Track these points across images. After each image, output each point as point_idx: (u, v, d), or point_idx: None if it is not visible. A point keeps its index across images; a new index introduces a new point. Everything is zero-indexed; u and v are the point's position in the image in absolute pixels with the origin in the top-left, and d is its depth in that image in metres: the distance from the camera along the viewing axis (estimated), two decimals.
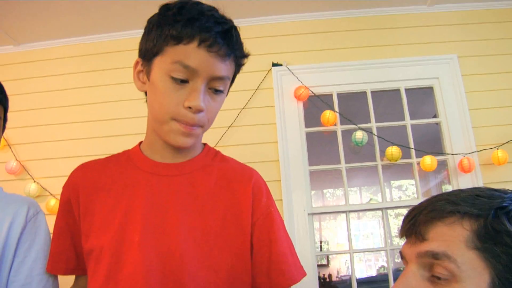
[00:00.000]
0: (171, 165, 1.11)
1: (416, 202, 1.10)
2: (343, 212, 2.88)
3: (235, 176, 1.14)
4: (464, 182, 2.78)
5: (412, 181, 8.53)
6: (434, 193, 3.41)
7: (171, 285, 1.00)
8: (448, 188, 4.84)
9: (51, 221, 1.19)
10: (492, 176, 2.77)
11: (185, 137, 1.04)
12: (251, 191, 1.12)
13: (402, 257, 0.75)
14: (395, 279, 2.71)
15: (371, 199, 8.37)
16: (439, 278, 0.66)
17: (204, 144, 1.21)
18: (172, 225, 1.04)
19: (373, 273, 8.30)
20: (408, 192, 8.82)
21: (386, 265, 9.02)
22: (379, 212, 9.09)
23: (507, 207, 0.67)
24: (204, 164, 1.15)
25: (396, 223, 8.85)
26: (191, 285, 1.01)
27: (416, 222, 0.71)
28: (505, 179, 2.77)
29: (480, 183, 2.75)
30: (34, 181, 2.83)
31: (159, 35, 1.01)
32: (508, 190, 0.72)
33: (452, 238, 0.66)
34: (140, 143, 1.18)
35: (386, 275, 4.39)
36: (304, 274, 1.14)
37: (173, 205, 1.06)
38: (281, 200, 2.67)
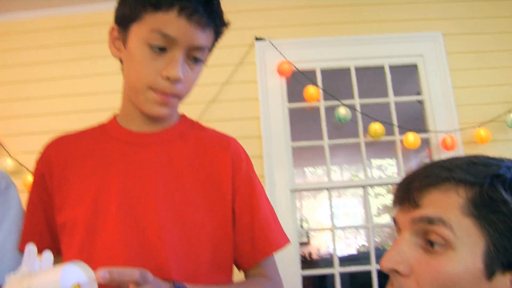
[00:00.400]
0: (147, 134, 1.08)
1: (398, 180, 1.08)
2: (325, 188, 2.87)
3: (213, 144, 1.12)
4: None
5: (392, 161, 8.58)
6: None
7: (149, 258, 0.97)
8: None
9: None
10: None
11: (161, 107, 1.01)
12: (231, 159, 1.10)
13: (395, 224, 0.74)
14: (377, 257, 2.72)
15: (353, 176, 8.41)
16: (432, 246, 0.65)
17: (181, 114, 1.18)
18: (150, 196, 1.01)
19: (353, 251, 8.38)
20: (388, 173, 8.88)
21: (366, 243, 9.14)
22: (360, 191, 9.20)
23: (503, 175, 0.65)
24: (181, 132, 1.12)
25: (376, 203, 8.94)
26: (172, 257, 0.98)
27: (410, 189, 0.70)
28: None
29: None
30: (11, 157, 2.77)
31: (137, 0, 0.96)
32: (505, 158, 0.71)
33: (447, 205, 0.65)
34: (116, 115, 1.15)
35: (367, 253, 4.43)
36: (288, 241, 1.13)
37: (150, 176, 1.03)
38: (263, 176, 2.64)
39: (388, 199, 9.32)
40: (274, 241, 1.10)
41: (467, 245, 0.63)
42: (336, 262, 2.73)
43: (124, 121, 1.11)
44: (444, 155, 2.76)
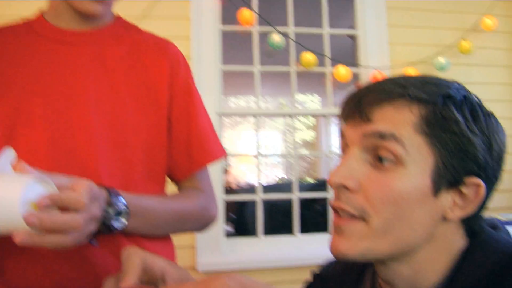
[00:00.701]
0: (78, 33, 0.98)
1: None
2: (252, 115, 2.83)
3: (150, 48, 1.03)
4: None
5: (314, 98, 8.72)
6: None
7: (78, 163, 0.90)
8: None
9: None
10: None
11: (95, 3, 0.93)
12: (168, 64, 1.02)
13: (342, 138, 0.71)
14: (287, 188, 2.78)
15: (281, 105, 8.44)
16: (382, 162, 0.64)
17: (117, 15, 1.08)
18: (80, 98, 0.93)
19: (273, 182, 8.59)
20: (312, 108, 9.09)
21: (285, 176, 9.40)
22: (281, 126, 9.37)
23: (454, 97, 0.66)
24: (116, 34, 1.02)
25: (300, 136, 9.14)
26: (102, 164, 0.91)
27: (362, 103, 0.67)
28: None
29: None
30: None
31: None
32: (454, 80, 0.70)
33: (400, 121, 0.64)
34: (43, 12, 1.03)
35: (287, 184, 4.53)
36: (225, 153, 1.09)
37: (81, 77, 0.94)
38: None
39: (308, 134, 9.57)
40: (211, 151, 1.05)
41: (417, 163, 0.63)
42: (260, 189, 2.75)
43: (52, 18, 1.00)
44: None
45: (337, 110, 3.81)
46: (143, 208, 0.88)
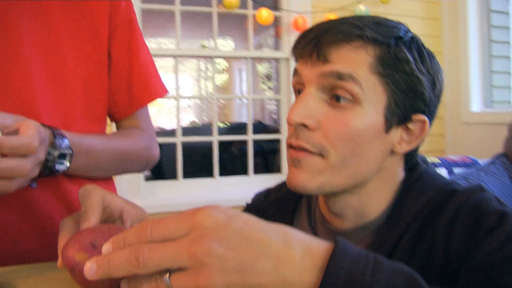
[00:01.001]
0: None
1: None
2: (172, 56, 2.75)
3: None
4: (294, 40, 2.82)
5: (226, 42, 8.63)
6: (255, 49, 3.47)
7: (16, 100, 0.83)
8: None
9: None
10: None
11: None
12: None
13: (297, 77, 0.72)
14: (206, 131, 2.78)
15: (203, 47, 8.25)
16: (338, 101, 0.67)
17: None
18: (14, 36, 0.84)
19: (185, 125, 8.53)
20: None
21: (196, 119, 9.35)
22: (196, 66, 9.21)
23: (404, 38, 0.69)
24: None
25: (218, 79, 9.02)
26: (41, 101, 0.85)
27: (320, 43, 0.68)
28: None
29: None
30: None
31: None
32: (399, 22, 0.73)
33: (357, 62, 0.66)
34: None
35: (206, 127, 4.51)
36: (167, 91, 1.05)
37: (15, 14, 0.85)
38: None
39: (220, 78, 9.50)
40: (154, 89, 1.01)
41: (372, 101, 0.66)
42: (179, 132, 2.71)
43: None
44: (294, 34, 2.81)
45: (256, 53, 3.77)
46: (86, 148, 0.84)
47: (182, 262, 0.42)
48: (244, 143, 4.29)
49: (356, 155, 0.67)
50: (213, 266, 0.41)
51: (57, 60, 0.88)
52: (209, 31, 2.85)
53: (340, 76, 0.66)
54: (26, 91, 0.84)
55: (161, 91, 1.03)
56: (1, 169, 0.61)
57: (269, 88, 7.84)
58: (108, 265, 0.43)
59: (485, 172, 1.92)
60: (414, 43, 0.70)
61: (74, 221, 0.66)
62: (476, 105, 2.99)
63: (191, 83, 9.78)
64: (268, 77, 7.88)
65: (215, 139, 2.79)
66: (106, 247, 0.45)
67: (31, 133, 0.64)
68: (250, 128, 2.91)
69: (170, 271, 0.43)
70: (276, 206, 0.87)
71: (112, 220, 0.70)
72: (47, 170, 0.75)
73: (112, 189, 1.01)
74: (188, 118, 9.82)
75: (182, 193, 2.68)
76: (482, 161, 2.12)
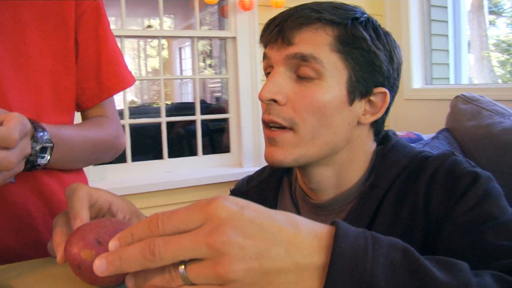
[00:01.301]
0: None
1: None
2: (118, 36, 2.68)
3: None
4: (241, 20, 2.82)
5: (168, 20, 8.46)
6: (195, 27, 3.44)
7: None
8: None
9: None
10: (267, 18, 2.85)
11: None
12: None
13: (266, 60, 0.79)
14: (149, 111, 2.74)
15: (148, 26, 7.99)
16: (304, 78, 0.74)
17: None
18: None
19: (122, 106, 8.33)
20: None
21: (135, 99, 9.15)
22: (133, 45, 8.97)
23: (360, 18, 0.76)
24: None
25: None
26: (10, 90, 0.81)
27: (283, 28, 0.75)
28: None
29: (256, 23, 2.84)
30: None
31: None
32: (356, 6, 0.80)
33: (318, 43, 0.73)
34: None
35: (151, 108, 4.44)
36: (134, 80, 1.03)
37: None
38: None
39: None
40: (123, 77, 0.99)
41: (334, 77, 0.73)
42: (127, 113, 2.67)
43: None
44: (239, 14, 2.80)
45: (204, 32, 3.72)
46: (63, 140, 0.80)
47: (200, 252, 0.42)
48: (188, 123, 4.28)
49: (324, 125, 0.74)
50: (232, 254, 0.42)
51: (23, 49, 0.84)
52: (149, 10, 2.79)
53: (303, 58, 0.73)
54: None
55: (130, 79, 1.00)
56: None
57: (210, 66, 7.78)
58: (119, 261, 0.43)
59: (429, 147, 2.01)
60: (370, 23, 0.77)
61: (68, 218, 0.64)
62: (417, 82, 3.11)
63: (129, 62, 9.55)
64: (208, 55, 7.81)
65: (163, 120, 2.76)
66: (113, 244, 0.45)
67: (11, 125, 0.61)
68: (198, 108, 2.90)
69: (185, 262, 0.43)
70: (260, 189, 0.92)
71: (102, 215, 0.69)
72: (28, 165, 0.72)
73: (84, 180, 0.99)
74: (127, 98, 9.61)
75: (132, 176, 2.65)
76: (426, 136, 2.21)
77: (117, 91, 0.98)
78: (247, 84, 2.89)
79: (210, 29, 6.43)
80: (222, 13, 3.18)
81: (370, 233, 0.49)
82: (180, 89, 8.60)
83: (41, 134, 0.72)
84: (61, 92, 0.90)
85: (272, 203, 0.88)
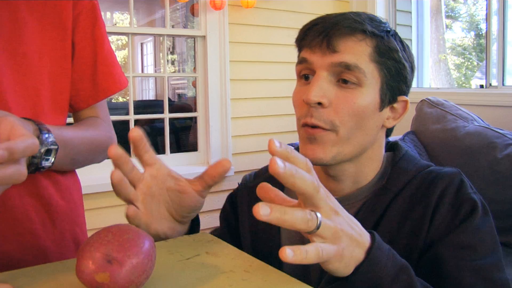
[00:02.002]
0: None
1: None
2: None
3: None
4: (211, 19, 2.83)
5: (124, 16, 8.31)
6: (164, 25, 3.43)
7: None
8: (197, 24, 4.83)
9: None
10: (237, 17, 2.90)
11: None
12: None
13: (306, 63, 0.83)
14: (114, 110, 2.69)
15: (115, 24, 7.82)
16: (346, 84, 0.80)
17: None
18: None
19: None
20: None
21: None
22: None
23: (391, 31, 0.84)
24: None
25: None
26: (9, 92, 0.80)
27: (329, 35, 0.80)
28: (249, 22, 2.97)
29: (226, 22, 2.86)
30: None
31: None
32: (382, 17, 0.88)
33: (360, 52, 0.79)
34: None
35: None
36: (128, 82, 1.02)
37: None
38: None
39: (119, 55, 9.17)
40: (118, 78, 0.98)
41: (371, 84, 0.80)
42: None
43: None
44: (210, 14, 2.81)
45: (174, 30, 3.70)
46: (65, 141, 0.79)
47: (329, 210, 0.57)
48: (152, 121, 4.25)
49: (359, 128, 0.81)
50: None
51: (21, 49, 0.83)
52: (110, 3, 2.75)
53: (347, 66, 0.79)
54: None
55: (125, 81, 1.00)
56: (1, 178, 0.55)
57: (172, 63, 7.71)
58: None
59: None
60: (398, 36, 0.85)
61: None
62: None
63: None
64: (171, 52, 7.75)
65: (131, 118, 2.73)
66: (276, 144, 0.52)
67: (25, 131, 0.58)
68: (166, 106, 2.90)
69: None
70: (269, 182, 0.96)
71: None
72: (32, 167, 0.71)
73: (77, 181, 0.98)
74: None
75: (101, 174, 2.61)
76: (392, 138, 2.27)
77: (112, 92, 0.97)
78: (216, 83, 2.90)
79: (173, 26, 6.38)
80: (192, 11, 3.18)
81: (393, 252, 0.65)
82: (141, 86, 8.49)
83: (46, 136, 0.71)
84: (57, 93, 0.89)
85: None
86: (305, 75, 0.83)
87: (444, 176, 0.81)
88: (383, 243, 0.64)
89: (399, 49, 0.82)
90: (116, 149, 0.64)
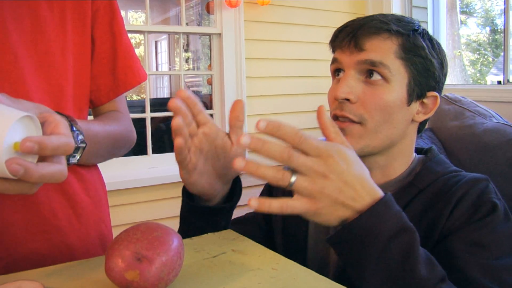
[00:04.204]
0: None
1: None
2: None
3: None
4: (227, 16, 2.84)
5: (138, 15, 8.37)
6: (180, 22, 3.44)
7: (9, 92, 0.77)
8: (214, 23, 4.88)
9: None
10: (253, 15, 2.90)
11: None
12: None
13: (336, 63, 0.90)
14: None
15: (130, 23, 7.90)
16: (372, 79, 0.85)
17: None
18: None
19: None
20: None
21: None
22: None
23: (418, 30, 0.89)
24: None
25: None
26: (35, 93, 0.81)
27: (356, 35, 0.86)
28: (264, 19, 2.97)
29: (242, 19, 2.86)
30: None
31: None
32: (413, 18, 0.93)
33: (385, 50, 0.85)
34: None
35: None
36: (147, 75, 1.04)
37: None
38: None
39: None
40: (137, 72, 1.00)
41: (398, 80, 0.85)
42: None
43: None
44: (226, 11, 2.82)
45: (190, 28, 3.72)
46: (91, 136, 0.80)
47: (313, 173, 0.62)
48: (168, 118, 4.25)
49: (387, 121, 0.85)
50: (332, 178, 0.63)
51: (43, 47, 0.84)
52: (127, 3, 2.77)
53: (373, 63, 0.84)
54: (17, 81, 0.79)
55: (144, 74, 1.01)
56: (44, 175, 0.55)
57: (186, 61, 7.73)
58: (262, 144, 0.60)
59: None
60: (426, 34, 0.89)
61: None
62: None
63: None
64: (185, 49, 7.77)
65: (148, 115, 2.75)
66: (263, 124, 0.60)
67: (65, 130, 0.60)
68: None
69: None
70: None
71: None
72: None
73: (100, 175, 0.99)
74: None
75: (115, 172, 2.63)
76: None
77: (133, 85, 0.99)
78: (232, 80, 2.91)
79: (187, 24, 6.40)
80: (207, 9, 3.19)
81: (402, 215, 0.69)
82: (155, 83, 8.52)
83: (77, 133, 0.72)
84: (79, 88, 0.91)
85: None
86: (337, 73, 0.90)
87: (470, 180, 0.84)
88: (395, 205, 0.69)
89: (426, 46, 0.87)
90: (175, 102, 0.67)
